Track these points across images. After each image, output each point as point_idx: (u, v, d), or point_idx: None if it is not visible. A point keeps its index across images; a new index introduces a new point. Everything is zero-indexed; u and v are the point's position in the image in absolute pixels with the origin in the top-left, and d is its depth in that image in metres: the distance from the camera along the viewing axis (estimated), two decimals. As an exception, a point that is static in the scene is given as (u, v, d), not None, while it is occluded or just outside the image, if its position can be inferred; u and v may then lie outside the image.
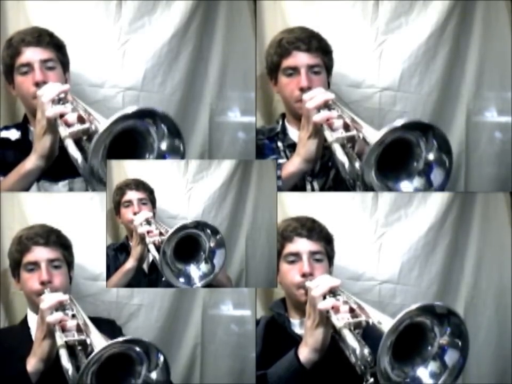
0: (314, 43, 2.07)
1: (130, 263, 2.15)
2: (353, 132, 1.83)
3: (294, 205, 2.29)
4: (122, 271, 2.15)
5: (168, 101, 2.40)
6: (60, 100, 1.87)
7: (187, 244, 2.08)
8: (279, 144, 2.15)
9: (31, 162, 1.90)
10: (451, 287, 2.37)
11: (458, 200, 2.38)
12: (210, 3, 2.40)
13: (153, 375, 1.73)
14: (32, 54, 2.03)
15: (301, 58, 2.06)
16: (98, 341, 1.72)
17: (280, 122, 2.18)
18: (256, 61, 2.32)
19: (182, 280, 2.09)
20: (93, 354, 1.64)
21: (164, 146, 1.84)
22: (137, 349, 1.70)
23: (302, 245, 2.00)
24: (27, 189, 1.97)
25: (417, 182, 1.80)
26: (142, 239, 2.14)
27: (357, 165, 1.79)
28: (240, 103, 2.41)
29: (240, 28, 2.40)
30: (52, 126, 1.84)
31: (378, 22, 2.38)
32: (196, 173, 2.39)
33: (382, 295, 2.35)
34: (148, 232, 2.13)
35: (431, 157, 1.78)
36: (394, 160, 1.78)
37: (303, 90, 2.02)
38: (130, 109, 1.76)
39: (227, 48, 2.41)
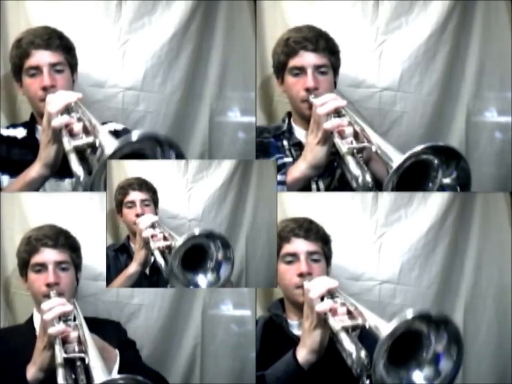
0: (322, 43, 2.06)
1: (133, 268, 2.12)
2: (364, 143, 1.83)
3: (294, 205, 2.30)
4: (125, 275, 2.12)
5: (168, 101, 2.40)
6: (66, 109, 1.87)
7: (195, 250, 2.05)
8: (285, 142, 2.14)
9: (35, 170, 1.90)
10: (451, 287, 2.37)
11: (458, 200, 2.38)
12: (210, 3, 2.40)
13: None
14: (41, 57, 2.03)
15: (307, 59, 2.05)
16: (96, 364, 1.69)
17: (286, 121, 2.17)
18: (256, 61, 2.32)
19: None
20: None
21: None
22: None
23: (299, 245, 2.00)
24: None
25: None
26: (146, 243, 2.10)
27: (368, 177, 1.80)
28: (240, 103, 2.41)
29: (240, 28, 2.40)
30: (57, 135, 1.84)
31: (378, 22, 2.38)
32: (195, 173, 2.39)
33: (382, 295, 2.35)
34: (152, 236, 2.10)
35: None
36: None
37: (309, 90, 2.02)
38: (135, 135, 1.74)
39: (227, 48, 2.41)
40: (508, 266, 2.35)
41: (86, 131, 1.81)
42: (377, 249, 2.37)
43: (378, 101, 2.37)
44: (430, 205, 2.38)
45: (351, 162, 1.82)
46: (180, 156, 1.79)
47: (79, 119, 1.83)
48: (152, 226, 2.13)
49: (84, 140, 1.80)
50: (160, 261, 2.06)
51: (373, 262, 2.36)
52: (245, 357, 2.31)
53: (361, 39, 2.37)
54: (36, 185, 1.94)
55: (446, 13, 2.37)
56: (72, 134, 1.81)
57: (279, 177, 2.03)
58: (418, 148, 1.73)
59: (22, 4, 2.32)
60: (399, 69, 2.38)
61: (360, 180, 1.80)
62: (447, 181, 1.78)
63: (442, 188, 1.80)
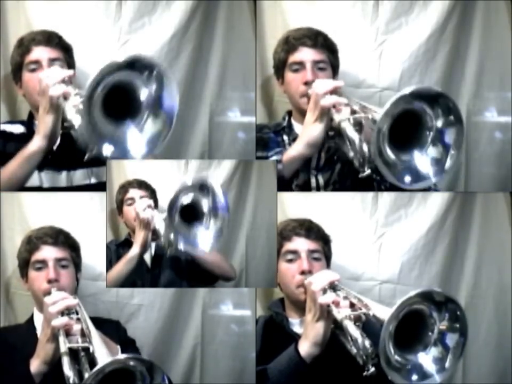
0: (320, 39, 2.10)
1: (134, 250, 2.14)
2: (361, 114, 1.84)
3: (294, 205, 2.30)
4: (126, 258, 2.15)
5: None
6: (63, 83, 1.89)
7: (189, 212, 2.06)
8: (285, 137, 2.16)
9: (34, 143, 1.91)
10: (451, 287, 2.37)
11: (458, 200, 2.38)
12: (210, 3, 2.40)
13: None
14: (41, 52, 2.08)
15: (306, 54, 2.08)
16: (100, 350, 1.71)
17: (286, 118, 2.19)
18: (256, 61, 2.32)
19: (193, 245, 2.06)
20: (94, 370, 1.63)
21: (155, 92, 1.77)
22: (139, 366, 1.68)
23: (300, 244, 2.01)
24: (30, 173, 1.97)
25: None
26: (145, 224, 2.13)
27: (365, 147, 1.79)
28: (240, 103, 2.42)
29: (240, 28, 2.40)
30: (54, 106, 1.86)
31: (378, 22, 2.38)
32: (195, 173, 2.39)
33: (382, 295, 2.35)
34: (152, 216, 2.12)
35: (440, 122, 1.76)
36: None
37: (308, 84, 2.04)
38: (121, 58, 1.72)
39: (227, 48, 2.41)
40: (508, 266, 2.35)
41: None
42: (377, 249, 2.37)
43: (378, 101, 2.37)
44: (430, 205, 2.38)
45: (347, 128, 1.83)
46: (160, 79, 1.75)
47: (77, 94, 1.83)
48: (150, 207, 2.16)
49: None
50: (160, 224, 2.07)
51: (373, 262, 2.37)
52: (245, 357, 2.31)
53: (361, 39, 2.38)
54: (35, 160, 1.94)
55: (446, 13, 2.37)
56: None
57: (276, 157, 2.05)
58: (406, 91, 1.72)
59: (22, 4, 2.32)
60: (399, 69, 2.38)
61: (357, 143, 1.80)
62: (439, 123, 1.76)
63: (441, 134, 1.77)
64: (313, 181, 2.09)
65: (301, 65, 2.07)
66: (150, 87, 1.77)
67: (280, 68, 2.12)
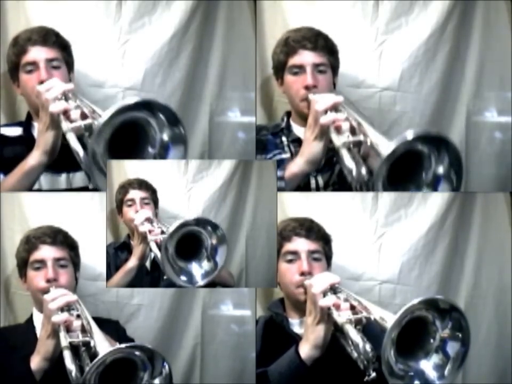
0: (321, 42, 2.08)
1: (132, 262, 2.16)
2: (360, 137, 1.83)
3: (294, 205, 2.30)
4: (124, 270, 2.16)
5: (168, 101, 2.37)
6: (64, 97, 1.88)
7: (189, 243, 2.07)
8: (283, 139, 2.16)
9: (34, 158, 1.90)
10: (451, 287, 2.37)
11: (458, 200, 2.38)
12: (210, 3, 2.40)
13: (156, 381, 1.73)
14: (38, 53, 2.05)
15: (306, 57, 2.07)
16: (101, 344, 1.73)
17: (285, 119, 2.19)
18: (256, 61, 2.32)
19: (183, 278, 2.09)
20: (96, 359, 1.64)
21: (165, 136, 1.81)
22: (141, 355, 1.69)
23: (300, 244, 2.01)
24: (30, 186, 1.97)
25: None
26: (143, 238, 2.14)
27: (363, 170, 1.80)
28: (240, 103, 2.41)
29: (240, 28, 2.40)
30: (54, 122, 1.85)
31: (378, 22, 2.38)
32: (196, 173, 2.39)
33: (382, 295, 2.35)
34: (150, 231, 2.14)
35: (441, 169, 1.76)
36: (405, 170, 1.75)
37: (308, 88, 2.04)
38: (132, 100, 1.74)
39: (227, 48, 2.41)
40: (508, 266, 2.35)
41: (83, 117, 1.80)
42: (377, 249, 2.37)
43: (378, 101, 2.37)
44: (430, 205, 2.38)
45: (345, 156, 1.82)
46: (172, 119, 1.77)
47: (77, 107, 1.83)
48: (149, 221, 2.17)
49: (82, 122, 1.79)
50: (156, 251, 2.09)
51: (373, 262, 2.37)
52: (245, 357, 2.31)
53: (361, 39, 2.37)
54: (35, 175, 1.94)
55: (446, 13, 2.37)
56: (69, 120, 1.81)
57: (278, 173, 2.04)
58: (409, 136, 1.71)
59: (22, 4, 2.32)
60: (399, 69, 2.37)
61: (354, 172, 1.79)
62: (440, 170, 1.76)
63: (437, 179, 1.78)
64: (312, 182, 2.09)
65: (301, 68, 2.07)
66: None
67: (280, 69, 2.12)
